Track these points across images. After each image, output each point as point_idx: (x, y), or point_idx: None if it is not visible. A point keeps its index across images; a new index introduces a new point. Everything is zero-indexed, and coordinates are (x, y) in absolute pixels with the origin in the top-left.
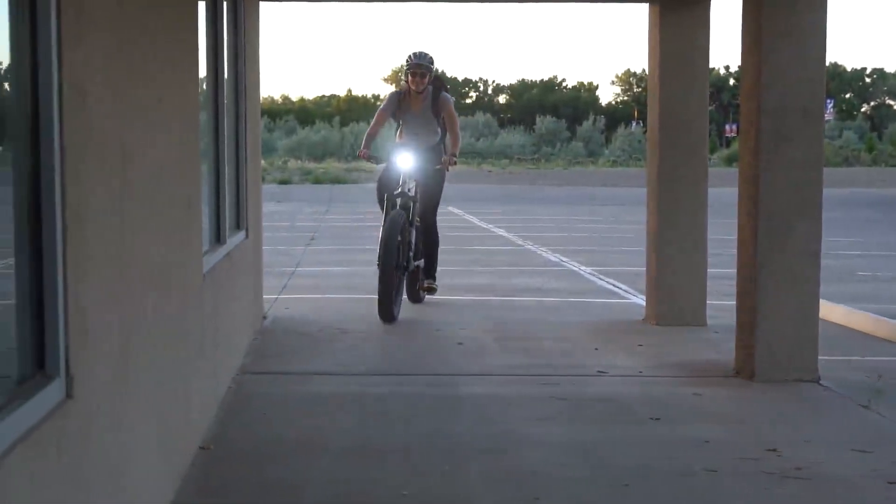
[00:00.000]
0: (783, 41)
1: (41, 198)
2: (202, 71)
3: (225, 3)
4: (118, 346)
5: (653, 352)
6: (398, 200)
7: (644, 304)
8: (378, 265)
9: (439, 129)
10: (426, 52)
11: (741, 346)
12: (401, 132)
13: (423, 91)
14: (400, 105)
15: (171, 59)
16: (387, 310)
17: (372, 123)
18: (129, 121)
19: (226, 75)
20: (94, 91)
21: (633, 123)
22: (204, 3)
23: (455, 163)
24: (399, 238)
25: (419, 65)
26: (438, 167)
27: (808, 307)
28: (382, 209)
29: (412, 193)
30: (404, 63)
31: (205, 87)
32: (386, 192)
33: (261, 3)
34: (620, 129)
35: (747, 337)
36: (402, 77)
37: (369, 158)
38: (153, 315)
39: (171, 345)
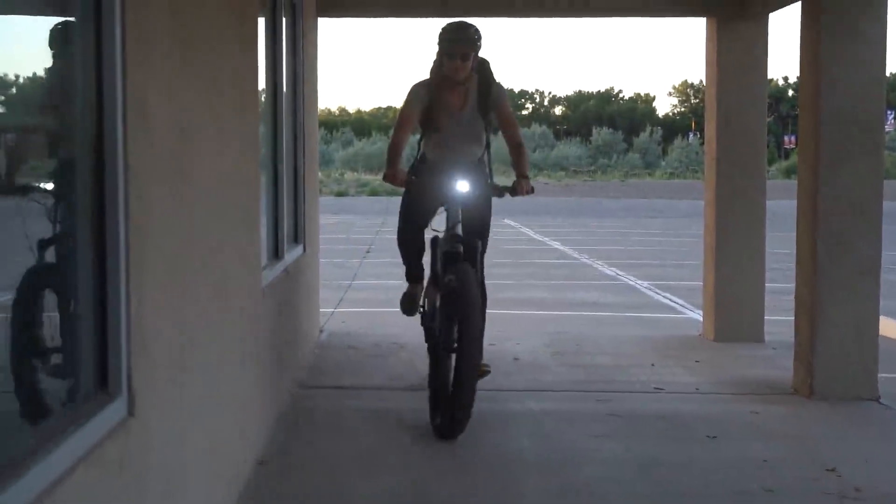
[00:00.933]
0: (842, 52)
1: (105, 215)
2: (261, 85)
3: (284, 19)
4: (177, 361)
5: (710, 368)
6: (454, 248)
7: (701, 319)
8: (429, 383)
9: (484, 137)
10: (469, 22)
11: (799, 364)
12: (432, 141)
13: (467, 80)
14: (431, 102)
15: (232, 76)
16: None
17: (396, 130)
18: (189, 139)
19: (285, 89)
20: (156, 112)
21: (691, 135)
22: (264, 19)
23: (532, 189)
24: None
25: (459, 41)
26: (499, 194)
27: (867, 324)
28: (412, 258)
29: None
30: (437, 40)
31: (264, 101)
32: (419, 230)
33: (319, 18)
34: (677, 141)
35: (805, 354)
36: (436, 62)
37: (409, 184)
38: (212, 330)
39: (230, 360)
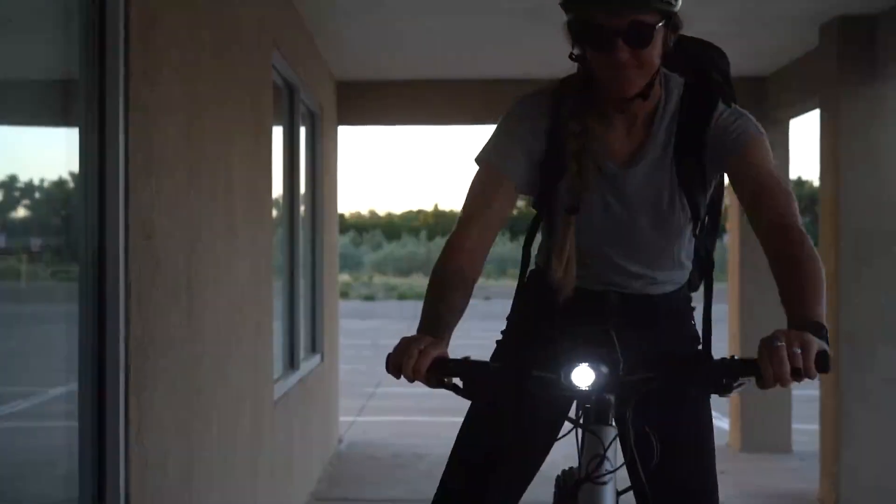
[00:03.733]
0: (860, 162)
1: (105, 330)
2: (279, 192)
3: (303, 128)
4: (180, 475)
5: (735, 479)
6: None
7: (727, 427)
8: None
9: (689, 233)
10: None
11: (825, 475)
12: (560, 242)
13: (645, 97)
14: (556, 145)
15: (244, 187)
16: None
17: (456, 227)
18: (196, 253)
19: (302, 196)
20: (161, 227)
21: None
22: (282, 128)
23: (824, 368)
24: None
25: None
26: (727, 386)
27: (893, 433)
28: None
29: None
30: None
31: (281, 209)
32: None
33: (339, 126)
34: None
35: (831, 465)
36: (573, 51)
37: (452, 386)
38: (220, 443)
39: (241, 474)
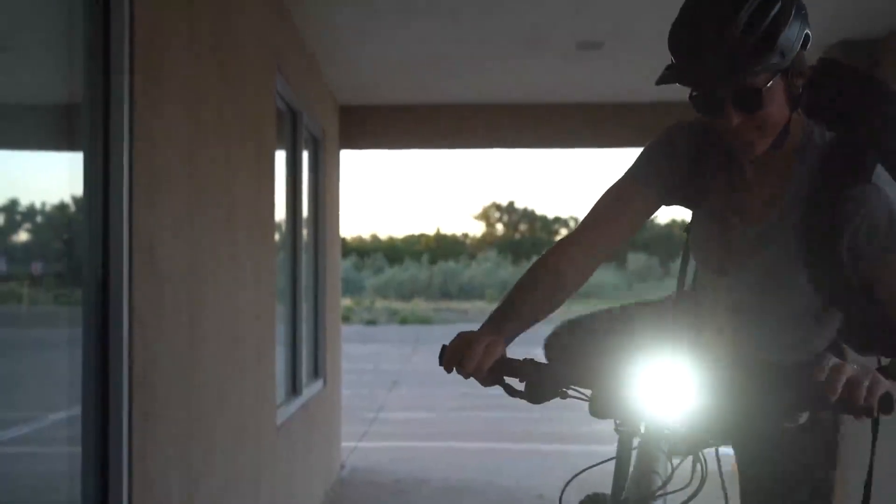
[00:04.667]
0: None
1: (109, 354)
2: (281, 216)
3: (306, 152)
4: (182, 500)
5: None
6: None
7: None
8: None
9: (820, 314)
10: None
11: None
12: (703, 303)
13: (780, 144)
14: (695, 189)
15: (247, 210)
16: None
17: (571, 232)
18: (200, 276)
19: (305, 220)
20: (164, 252)
21: None
22: (284, 151)
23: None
24: None
25: (696, 64)
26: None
27: None
28: None
29: None
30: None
31: (283, 233)
32: None
33: (342, 150)
34: None
35: None
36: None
37: (508, 386)
38: (223, 469)
39: (242, 497)
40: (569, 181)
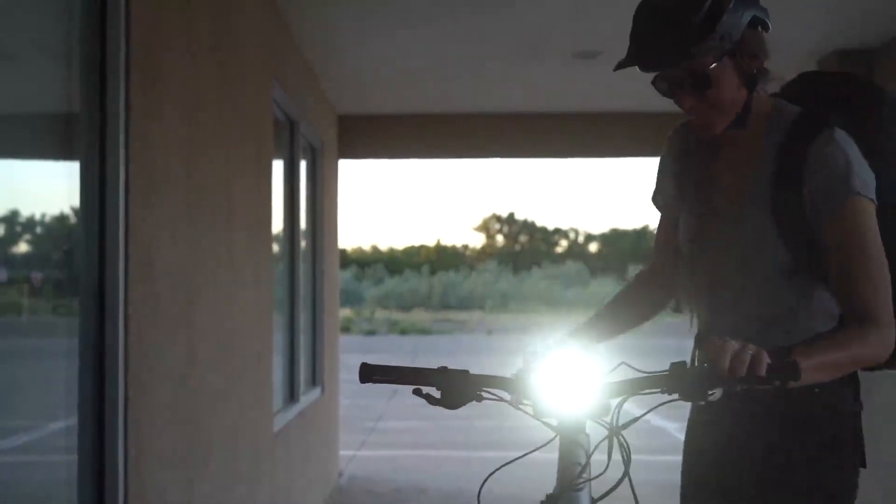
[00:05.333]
0: None
1: (105, 363)
2: (279, 225)
3: (304, 161)
4: None
5: None
6: None
7: None
8: None
9: (792, 274)
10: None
11: None
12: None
13: (743, 123)
14: (686, 172)
15: (245, 219)
16: None
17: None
18: (197, 286)
19: (303, 230)
20: (161, 258)
21: None
22: (283, 161)
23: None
24: None
25: (645, 50)
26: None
27: None
28: None
29: None
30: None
31: (281, 242)
32: None
33: (340, 160)
34: None
35: None
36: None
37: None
38: (219, 476)
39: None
40: (570, 192)
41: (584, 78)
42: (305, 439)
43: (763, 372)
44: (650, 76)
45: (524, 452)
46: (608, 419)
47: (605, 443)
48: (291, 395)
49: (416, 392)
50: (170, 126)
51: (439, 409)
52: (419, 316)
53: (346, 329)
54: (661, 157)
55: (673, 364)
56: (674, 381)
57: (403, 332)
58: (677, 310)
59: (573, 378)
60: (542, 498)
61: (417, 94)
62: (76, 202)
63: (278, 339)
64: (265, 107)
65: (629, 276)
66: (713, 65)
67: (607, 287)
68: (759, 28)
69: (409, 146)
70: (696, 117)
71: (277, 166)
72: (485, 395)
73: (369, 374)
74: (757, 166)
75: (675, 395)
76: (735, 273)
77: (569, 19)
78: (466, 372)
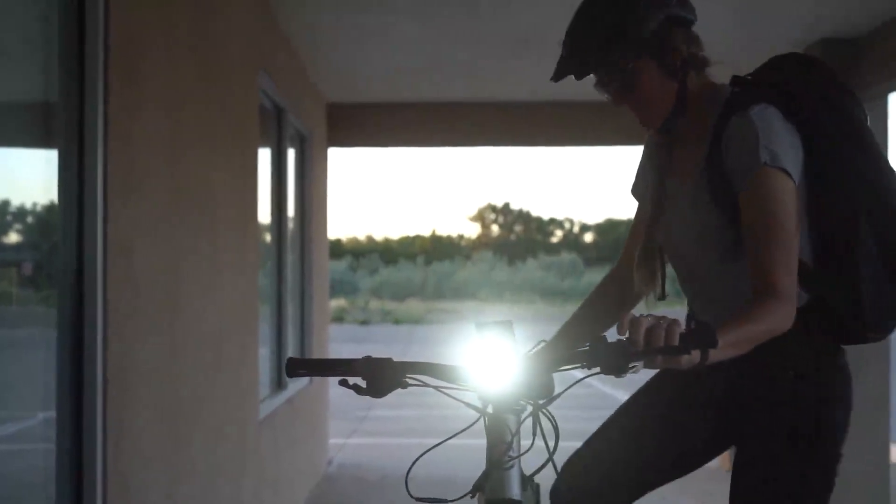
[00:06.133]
0: None
1: (83, 354)
2: (267, 213)
3: (293, 150)
4: (160, 496)
5: (722, 501)
6: None
7: None
8: None
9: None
10: None
11: None
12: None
13: (679, 115)
14: (655, 170)
15: (230, 209)
16: None
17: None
18: (179, 276)
19: (291, 218)
20: (141, 251)
21: None
22: (270, 150)
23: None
24: None
25: (565, 56)
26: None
27: (880, 454)
28: None
29: None
30: None
31: (269, 230)
32: None
33: (329, 148)
34: None
35: None
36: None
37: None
38: (204, 465)
39: (223, 493)
40: (565, 182)
41: None
42: (293, 427)
43: (676, 341)
44: None
45: (448, 437)
46: (534, 397)
47: (532, 421)
48: (279, 383)
49: (343, 383)
50: (151, 115)
51: (426, 397)
52: (413, 306)
53: (340, 319)
54: (641, 154)
55: (593, 340)
56: (594, 355)
57: (397, 321)
58: (661, 297)
59: (496, 356)
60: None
61: (407, 83)
62: (54, 191)
63: (265, 329)
64: (251, 97)
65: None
66: (628, 66)
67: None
68: (678, 25)
69: (399, 135)
70: (635, 114)
71: (265, 156)
72: (409, 381)
73: (295, 367)
74: (700, 151)
75: (597, 369)
76: (692, 257)
77: (563, 9)
78: (389, 359)
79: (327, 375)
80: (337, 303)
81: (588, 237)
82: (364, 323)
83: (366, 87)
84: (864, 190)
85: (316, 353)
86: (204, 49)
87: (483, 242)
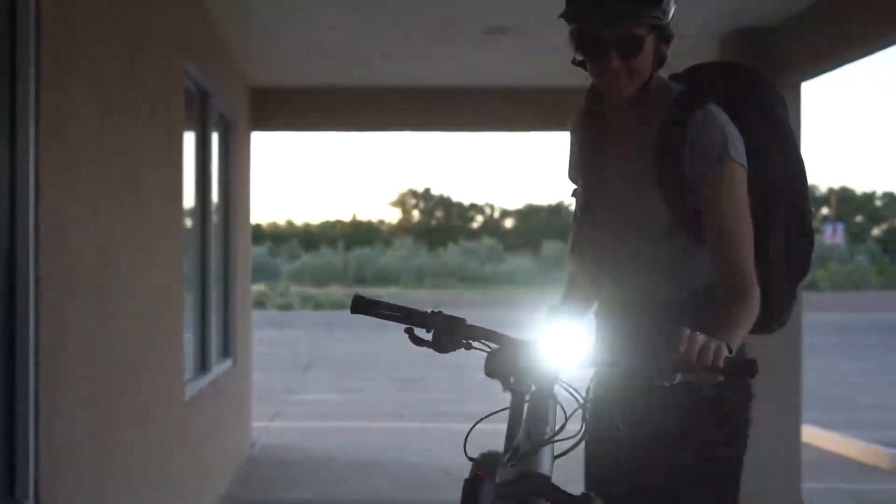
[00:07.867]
0: None
1: (15, 331)
2: (190, 199)
3: (216, 134)
4: (89, 474)
5: None
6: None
7: None
8: None
9: (675, 236)
10: None
11: None
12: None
13: (644, 100)
14: (583, 149)
15: (158, 191)
16: None
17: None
18: (109, 256)
19: (215, 203)
20: (73, 231)
21: None
22: (194, 133)
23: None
24: None
25: (595, 7)
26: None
27: (791, 435)
28: None
29: None
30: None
31: (193, 214)
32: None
33: (252, 132)
34: None
35: None
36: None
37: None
38: (130, 443)
39: (150, 472)
40: (485, 168)
41: (494, 53)
42: (217, 409)
43: (721, 363)
44: (557, 53)
45: (493, 411)
46: (582, 392)
47: (576, 412)
48: (203, 366)
49: (408, 332)
50: (80, 97)
51: (351, 383)
52: (334, 291)
53: (260, 304)
54: (568, 140)
55: (655, 346)
56: (649, 364)
57: (318, 306)
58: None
59: (567, 342)
60: (476, 457)
61: (330, 68)
62: None
63: (189, 311)
64: (176, 79)
65: (545, 253)
66: (648, 35)
67: (523, 263)
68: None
69: (322, 119)
70: (610, 81)
71: (189, 139)
72: (475, 344)
73: (359, 306)
74: (643, 138)
75: (650, 375)
76: (625, 236)
77: None
78: (463, 320)
79: (394, 320)
80: (258, 288)
81: (508, 222)
82: (285, 308)
83: (289, 72)
84: (786, 194)
85: (240, 337)
86: (131, 32)
87: (404, 228)
